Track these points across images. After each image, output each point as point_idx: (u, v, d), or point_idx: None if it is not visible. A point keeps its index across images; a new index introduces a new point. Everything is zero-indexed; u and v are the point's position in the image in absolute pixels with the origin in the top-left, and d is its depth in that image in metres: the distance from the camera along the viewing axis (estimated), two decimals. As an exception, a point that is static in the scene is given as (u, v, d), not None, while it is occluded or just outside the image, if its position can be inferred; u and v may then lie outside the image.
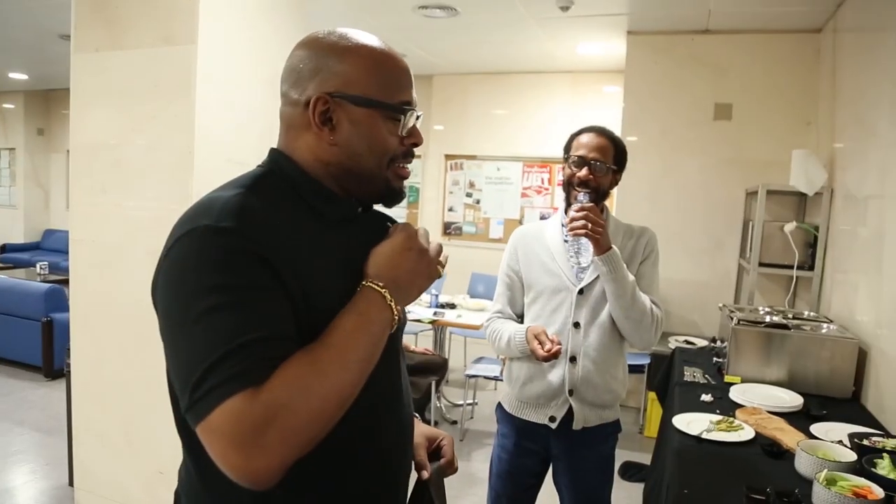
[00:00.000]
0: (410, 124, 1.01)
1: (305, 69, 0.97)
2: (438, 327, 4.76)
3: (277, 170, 0.99)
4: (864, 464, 1.75)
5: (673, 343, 3.91)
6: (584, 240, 1.85)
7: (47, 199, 10.52)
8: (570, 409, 1.97)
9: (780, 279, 4.21)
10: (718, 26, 4.58)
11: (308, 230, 0.95)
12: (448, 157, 7.12)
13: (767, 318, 3.04)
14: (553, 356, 1.86)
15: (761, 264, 4.00)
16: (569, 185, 1.98)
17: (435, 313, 4.54)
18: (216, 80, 2.58)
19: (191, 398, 0.78)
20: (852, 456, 1.84)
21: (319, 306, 0.90)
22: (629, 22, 4.72)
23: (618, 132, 5.06)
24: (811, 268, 3.90)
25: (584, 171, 1.94)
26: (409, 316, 4.49)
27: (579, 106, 6.43)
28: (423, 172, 7.27)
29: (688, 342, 3.98)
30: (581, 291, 1.98)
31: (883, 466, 1.74)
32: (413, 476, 1.16)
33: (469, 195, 7.08)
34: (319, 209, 0.98)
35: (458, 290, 5.74)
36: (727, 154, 4.68)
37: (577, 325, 1.97)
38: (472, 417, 4.78)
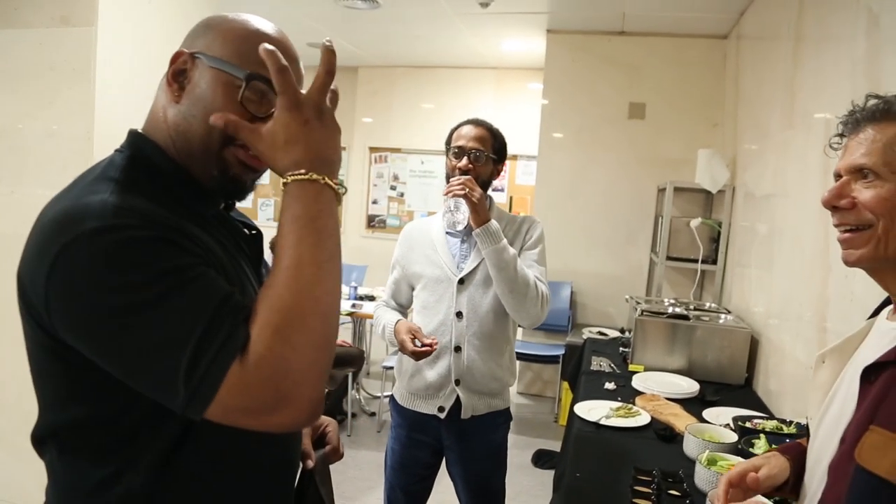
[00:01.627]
0: (255, 100, 0.90)
1: (187, 39, 0.95)
2: (357, 319, 4.75)
3: (139, 156, 0.93)
4: (743, 444, 1.86)
5: (586, 334, 4.04)
6: (461, 201, 1.90)
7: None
8: (458, 398, 2.01)
9: (687, 272, 4.40)
10: (633, 28, 4.74)
11: (190, 223, 0.88)
12: (373, 149, 7.08)
13: (671, 310, 3.18)
14: (422, 354, 1.91)
15: (669, 258, 4.18)
16: (451, 177, 2.02)
17: (353, 305, 4.53)
18: (117, 64, 2.48)
19: (187, 387, 0.73)
20: (734, 437, 1.96)
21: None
22: (549, 21, 4.81)
23: (538, 129, 5.16)
24: (714, 262, 4.10)
25: (463, 161, 1.99)
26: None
27: (504, 101, 6.51)
28: (348, 165, 7.22)
29: (600, 333, 4.12)
30: (462, 281, 2.02)
31: (759, 446, 1.86)
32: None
33: (393, 188, 7.07)
34: (186, 202, 0.92)
35: (380, 283, 5.73)
36: (640, 152, 4.85)
37: (459, 314, 2.00)
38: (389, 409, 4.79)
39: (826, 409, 1.03)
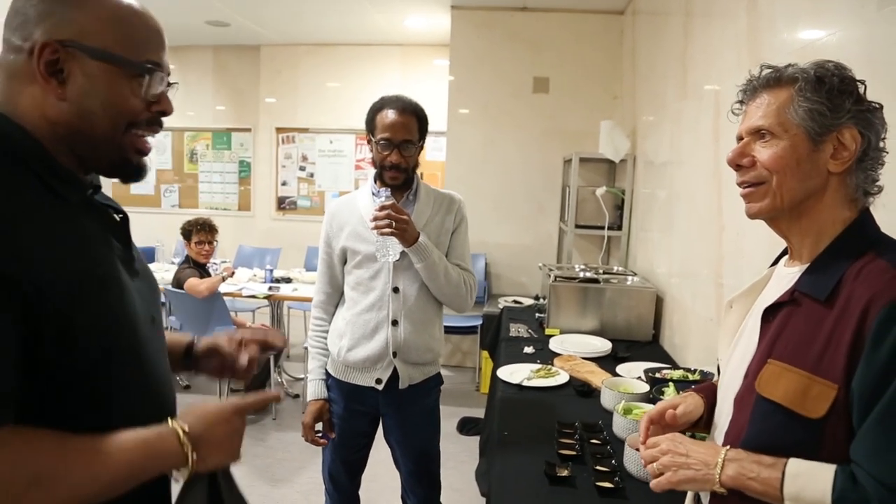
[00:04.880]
0: (157, 89, 0.92)
1: (33, 12, 0.85)
2: (275, 302, 4.70)
3: (6, 147, 0.85)
4: (654, 393, 2.01)
5: (502, 303, 4.17)
6: (391, 238, 1.89)
7: None
8: (395, 370, 2.06)
9: (594, 239, 4.61)
10: (535, 4, 4.85)
11: (44, 215, 0.84)
12: (279, 130, 6.93)
13: (582, 275, 3.34)
14: (315, 443, 2.12)
15: (577, 226, 4.37)
16: (380, 168, 1.99)
17: (270, 288, 4.47)
18: None
19: None
20: (646, 388, 2.12)
21: (67, 303, 0.81)
22: (452, -4, 4.86)
23: (446, 105, 5.20)
24: (620, 227, 4.32)
25: (394, 156, 1.95)
26: (244, 292, 4.38)
27: (410, 78, 6.52)
28: (254, 146, 7.03)
29: (515, 302, 4.26)
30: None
31: (669, 393, 2.01)
32: None
33: (302, 168, 6.96)
34: (54, 187, 0.87)
35: (295, 265, 5.67)
36: (545, 125, 5.01)
37: (396, 290, 2.04)
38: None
39: (734, 349, 1.15)
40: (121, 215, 1.01)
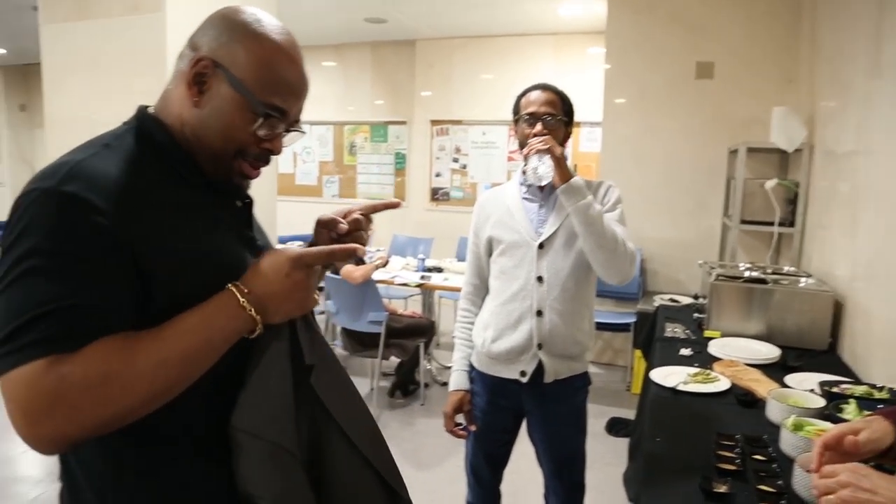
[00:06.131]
0: (269, 131, 0.99)
1: (211, 32, 0.98)
2: (426, 291, 4.81)
3: (142, 131, 0.99)
4: (831, 409, 1.81)
5: (658, 301, 3.97)
6: (545, 156, 1.88)
7: (33, 175, 10.43)
8: (540, 363, 2.01)
9: (762, 236, 4.25)
10: (700, -16, 4.55)
11: (168, 194, 0.95)
12: (434, 122, 7.09)
13: (747, 274, 3.09)
14: (455, 434, 2.15)
15: (743, 221, 4.05)
16: (525, 145, 2.00)
17: (422, 277, 4.58)
18: (186, 49, 2.57)
19: None
20: (821, 402, 1.90)
21: (174, 270, 0.90)
22: (610, -19, 4.68)
23: (601, 94, 5.07)
24: (792, 224, 3.94)
25: (538, 127, 1.96)
26: (396, 280, 4.53)
27: (564, 68, 6.39)
28: (410, 139, 7.25)
29: (672, 300, 4.04)
30: (541, 246, 2.01)
31: (849, 411, 1.80)
32: None
33: (455, 160, 7.07)
34: (178, 170, 0.98)
35: (447, 255, 5.78)
36: (709, 113, 4.69)
37: (540, 279, 1.99)
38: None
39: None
40: (245, 201, 1.10)
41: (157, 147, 0.98)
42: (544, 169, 1.89)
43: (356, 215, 1.16)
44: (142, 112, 1.02)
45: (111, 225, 0.84)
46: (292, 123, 1.03)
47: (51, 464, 3.33)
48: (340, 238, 1.13)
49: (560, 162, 1.88)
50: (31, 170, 10.41)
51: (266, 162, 1.04)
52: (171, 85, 1.01)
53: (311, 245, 1.15)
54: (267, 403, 0.93)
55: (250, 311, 0.91)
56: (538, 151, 1.87)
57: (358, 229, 1.15)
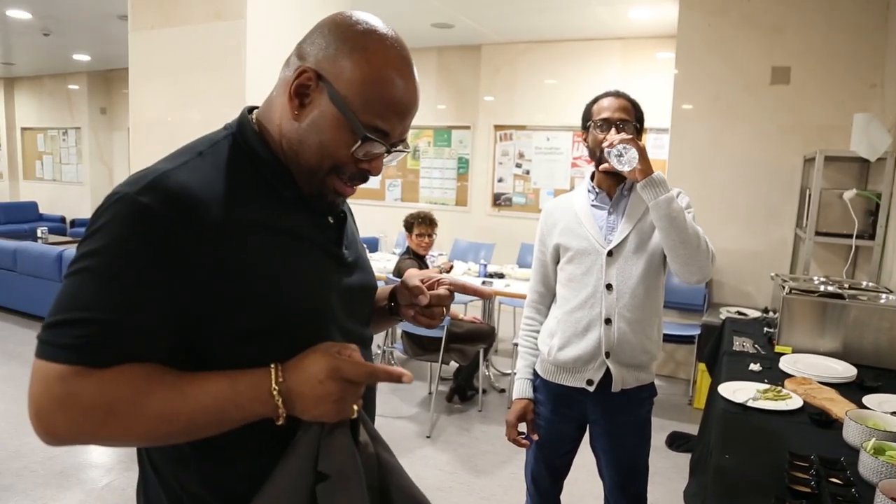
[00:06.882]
0: (367, 153, 0.95)
1: (319, 41, 0.94)
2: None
3: (240, 139, 0.97)
4: (915, 433, 1.71)
5: (724, 313, 3.86)
6: (629, 146, 1.85)
7: (111, 175, 10.94)
8: (608, 371, 1.98)
9: (838, 249, 4.08)
10: (777, -14, 4.41)
11: (253, 211, 0.92)
12: (497, 127, 7.08)
13: (822, 288, 2.96)
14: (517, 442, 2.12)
15: (818, 233, 3.89)
16: (598, 151, 1.97)
17: (483, 282, 4.58)
18: (264, 55, 2.64)
19: (39, 334, 0.82)
20: (903, 426, 1.81)
21: (251, 284, 0.88)
22: (682, -16, 4.58)
23: (670, 100, 4.96)
24: (872, 237, 3.77)
25: (612, 133, 1.93)
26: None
27: (631, 74, 6.28)
28: (473, 144, 7.26)
29: (740, 313, 3.92)
30: (610, 253, 1.98)
31: (934, 437, 1.70)
32: None
33: (518, 166, 7.04)
34: (271, 181, 0.96)
35: (508, 261, 5.76)
36: (784, 119, 4.53)
37: (609, 286, 1.96)
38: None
39: None
40: (340, 214, 1.07)
41: (252, 157, 0.96)
42: (630, 156, 1.86)
43: (442, 291, 1.14)
44: (244, 117, 1.00)
45: (178, 245, 0.83)
46: (396, 144, 0.98)
47: (121, 452, 3.49)
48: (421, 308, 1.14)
49: (644, 154, 1.86)
50: (108, 171, 10.95)
51: (363, 181, 1.00)
52: (275, 91, 0.99)
53: (391, 293, 1.18)
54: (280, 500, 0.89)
55: (278, 400, 0.85)
56: (622, 141, 1.85)
57: (440, 304, 1.14)
